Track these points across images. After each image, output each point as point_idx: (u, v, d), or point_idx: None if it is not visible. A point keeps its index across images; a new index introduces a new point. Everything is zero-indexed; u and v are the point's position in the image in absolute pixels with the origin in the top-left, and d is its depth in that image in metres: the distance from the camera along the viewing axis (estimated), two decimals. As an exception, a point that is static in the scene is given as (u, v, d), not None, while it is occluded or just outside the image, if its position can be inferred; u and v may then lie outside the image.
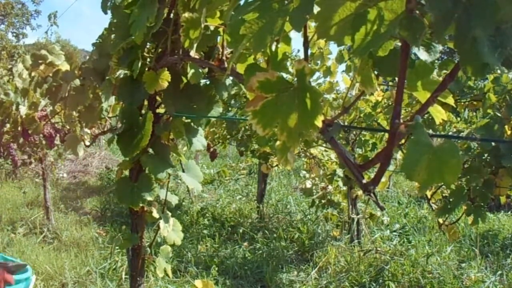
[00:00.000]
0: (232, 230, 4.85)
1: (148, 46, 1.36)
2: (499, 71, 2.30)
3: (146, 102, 1.40)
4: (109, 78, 1.46)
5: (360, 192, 3.97)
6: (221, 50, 1.07)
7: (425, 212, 5.86)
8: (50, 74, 2.23)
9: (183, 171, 1.51)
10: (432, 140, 0.52)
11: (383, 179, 2.41)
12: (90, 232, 4.63)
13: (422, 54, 0.61)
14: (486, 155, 2.13)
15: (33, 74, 2.76)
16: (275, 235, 4.59)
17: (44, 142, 3.95)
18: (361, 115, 3.33)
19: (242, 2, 0.65)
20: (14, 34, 22.22)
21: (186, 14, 0.98)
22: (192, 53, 1.14)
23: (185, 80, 1.31)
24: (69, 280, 3.38)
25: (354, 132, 3.72)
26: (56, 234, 4.52)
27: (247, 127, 4.06)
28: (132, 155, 1.27)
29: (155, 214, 1.48)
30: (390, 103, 3.17)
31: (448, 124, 3.29)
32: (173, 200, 1.58)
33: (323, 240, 4.48)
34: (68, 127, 2.84)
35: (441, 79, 0.61)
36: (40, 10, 24.46)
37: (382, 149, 0.62)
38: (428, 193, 2.48)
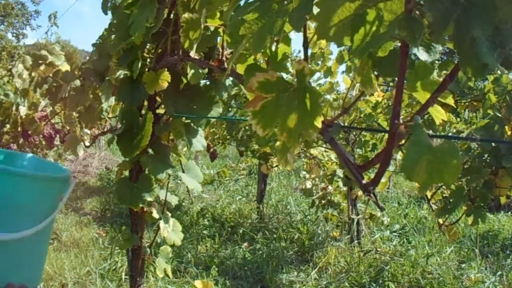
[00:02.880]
0: (232, 230, 4.85)
1: (148, 47, 1.36)
2: (499, 72, 2.30)
3: (146, 103, 1.40)
4: (109, 79, 1.47)
5: (360, 193, 3.97)
6: (221, 50, 1.07)
7: (425, 212, 5.86)
8: (50, 75, 2.23)
9: (183, 171, 1.51)
10: (432, 140, 0.52)
11: (383, 180, 2.41)
12: (90, 232, 4.63)
13: (421, 55, 0.61)
14: (486, 155, 2.13)
15: (33, 74, 2.77)
16: (275, 236, 4.59)
17: (44, 142, 3.95)
18: (361, 115, 3.33)
19: (242, 3, 0.65)
20: (14, 35, 22.24)
21: (186, 15, 0.98)
22: (192, 54, 1.14)
23: (185, 81, 1.31)
24: (69, 280, 3.37)
25: (354, 133, 3.73)
26: (56, 235, 4.52)
27: (247, 127, 4.06)
28: (132, 155, 1.27)
29: (155, 215, 1.48)
30: (390, 104, 3.17)
31: (448, 125, 3.29)
32: (173, 200, 1.58)
33: (323, 240, 4.48)
34: (68, 127, 2.84)
35: (441, 79, 0.61)
36: (40, 10, 24.52)
37: (382, 149, 0.62)
38: (428, 194, 2.48)
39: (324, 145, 3.87)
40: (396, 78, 0.56)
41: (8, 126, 3.46)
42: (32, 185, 0.85)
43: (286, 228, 4.87)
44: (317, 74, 3.60)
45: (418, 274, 3.68)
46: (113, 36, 1.32)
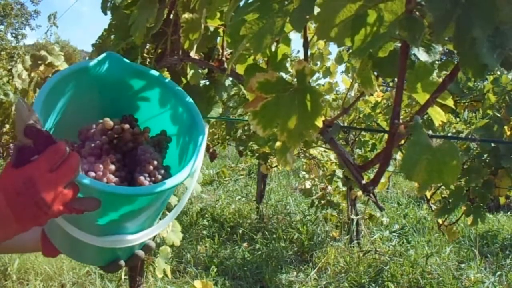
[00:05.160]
0: (232, 230, 4.84)
1: (147, 47, 1.36)
2: (498, 72, 2.30)
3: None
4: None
5: (359, 193, 3.97)
6: (220, 50, 1.08)
7: (425, 212, 5.87)
8: (50, 75, 2.23)
9: (183, 171, 1.51)
10: (432, 140, 0.52)
11: (382, 180, 2.41)
12: (89, 232, 4.62)
13: (421, 55, 0.61)
14: (485, 155, 2.13)
15: (32, 74, 2.77)
16: (274, 236, 4.59)
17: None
18: (361, 115, 3.33)
19: (242, 3, 0.65)
20: (14, 35, 22.23)
21: (186, 15, 0.98)
22: (192, 54, 1.14)
23: (184, 81, 1.31)
24: (68, 280, 3.37)
25: (354, 133, 3.73)
26: (56, 235, 4.52)
27: (246, 127, 4.06)
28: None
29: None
30: (390, 104, 3.18)
31: (448, 125, 3.29)
32: (173, 200, 1.58)
33: (322, 240, 4.48)
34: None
35: (440, 80, 0.61)
36: (39, 11, 24.51)
37: (381, 149, 0.62)
38: (428, 194, 2.48)
39: (323, 145, 3.88)
40: (396, 79, 0.56)
41: (7, 126, 3.46)
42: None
43: (285, 228, 4.87)
44: (316, 74, 3.61)
45: (417, 274, 3.69)
46: (112, 37, 1.32)
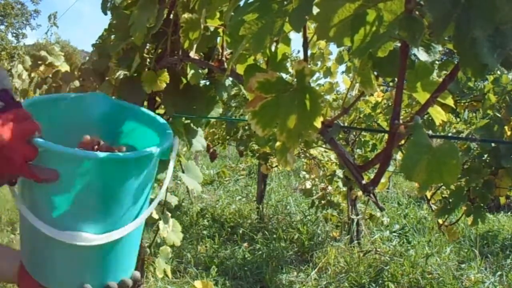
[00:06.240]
0: (232, 230, 4.84)
1: (147, 47, 1.36)
2: (499, 72, 2.30)
3: (146, 103, 1.40)
4: (108, 79, 1.47)
5: (360, 193, 3.97)
6: (220, 51, 1.07)
7: (425, 212, 5.86)
8: (50, 75, 2.23)
9: (183, 171, 1.51)
10: (432, 140, 0.52)
11: (382, 180, 2.41)
12: (89, 232, 4.61)
13: (421, 55, 0.61)
14: (486, 155, 2.13)
15: (32, 75, 2.77)
16: (274, 236, 4.59)
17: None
18: (361, 115, 3.33)
19: (241, 3, 0.65)
20: (14, 35, 22.23)
21: (186, 15, 0.98)
22: (192, 54, 1.14)
23: (184, 81, 1.31)
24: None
25: (354, 133, 3.73)
26: (56, 235, 4.51)
27: (246, 127, 4.06)
28: (132, 155, 1.26)
29: (155, 215, 1.48)
30: (390, 104, 3.17)
31: (448, 125, 3.29)
32: (173, 200, 1.58)
33: (322, 240, 4.48)
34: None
35: (440, 80, 0.61)
36: (39, 10, 24.46)
37: (381, 149, 0.62)
38: (428, 194, 2.48)
39: (323, 146, 3.87)
40: (396, 79, 0.56)
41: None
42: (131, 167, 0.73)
43: (286, 228, 4.87)
44: (316, 74, 3.61)
45: (417, 274, 3.69)
46: (113, 37, 1.32)
